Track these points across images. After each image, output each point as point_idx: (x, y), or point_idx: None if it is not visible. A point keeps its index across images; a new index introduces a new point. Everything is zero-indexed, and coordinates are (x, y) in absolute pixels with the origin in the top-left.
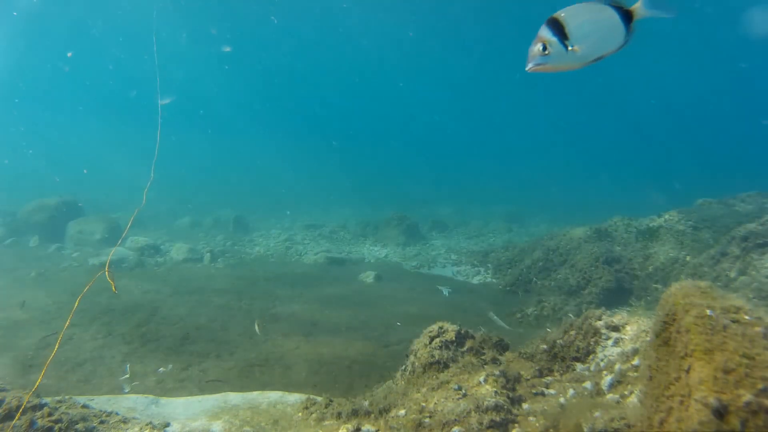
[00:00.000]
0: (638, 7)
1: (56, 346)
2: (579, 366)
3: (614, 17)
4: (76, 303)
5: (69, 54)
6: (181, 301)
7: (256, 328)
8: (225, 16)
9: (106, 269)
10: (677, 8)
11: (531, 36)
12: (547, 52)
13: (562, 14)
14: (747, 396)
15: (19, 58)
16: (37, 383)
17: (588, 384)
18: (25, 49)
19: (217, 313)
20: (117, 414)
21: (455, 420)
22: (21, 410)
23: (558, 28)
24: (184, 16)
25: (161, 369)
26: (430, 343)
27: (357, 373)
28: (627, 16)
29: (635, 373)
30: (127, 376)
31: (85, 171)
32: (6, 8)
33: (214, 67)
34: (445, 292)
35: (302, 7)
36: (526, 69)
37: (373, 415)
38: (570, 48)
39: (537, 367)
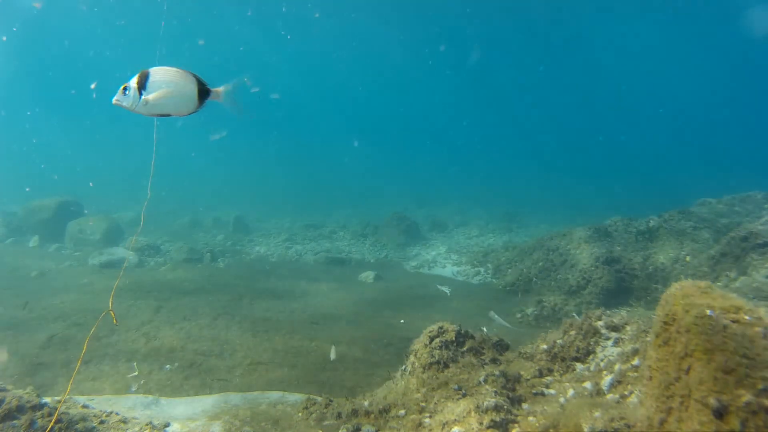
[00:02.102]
0: (216, 92)
1: (83, 348)
2: (579, 366)
3: (192, 89)
4: (96, 323)
5: (93, 85)
6: (183, 301)
7: (332, 353)
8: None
9: (110, 305)
10: (245, 114)
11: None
12: (126, 94)
13: (150, 70)
14: (747, 396)
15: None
16: (69, 387)
17: (588, 384)
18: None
19: (220, 312)
20: (117, 414)
21: (455, 420)
22: (58, 410)
23: (144, 79)
24: (192, 15)
25: (167, 366)
26: (430, 343)
27: (362, 372)
28: (205, 93)
29: (635, 373)
30: (135, 373)
31: (91, 185)
32: (7, 13)
33: (215, 67)
34: (447, 291)
35: (302, 10)
36: (112, 101)
37: (373, 415)
38: (142, 97)
39: (537, 367)
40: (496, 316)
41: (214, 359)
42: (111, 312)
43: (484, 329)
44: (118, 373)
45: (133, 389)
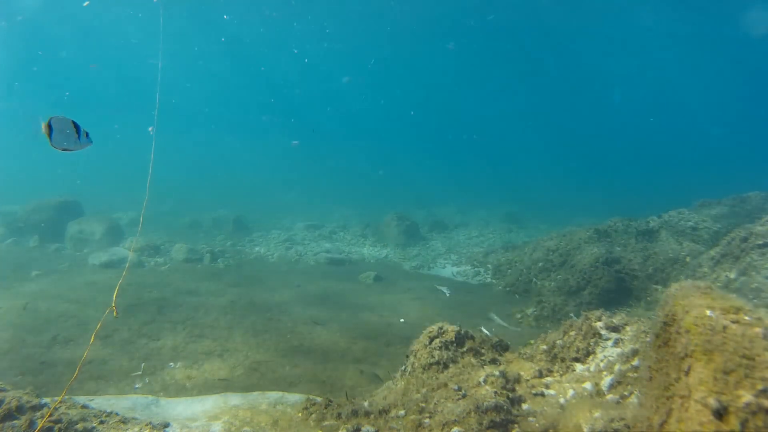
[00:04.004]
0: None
1: (87, 349)
2: (579, 366)
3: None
4: (98, 325)
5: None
6: (184, 300)
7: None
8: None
9: (113, 304)
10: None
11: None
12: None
13: (52, 119)
14: (747, 396)
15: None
16: (68, 385)
17: (588, 384)
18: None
19: (221, 312)
20: (117, 414)
21: (455, 420)
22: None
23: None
24: (191, 13)
25: (171, 364)
26: (429, 343)
27: (361, 371)
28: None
29: (635, 374)
30: (139, 373)
31: (78, 182)
32: (8, 11)
33: (214, 68)
34: (446, 291)
35: (302, 12)
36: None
37: (372, 416)
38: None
39: (537, 368)
40: (496, 317)
41: (215, 358)
42: (113, 307)
43: (483, 329)
44: (122, 371)
45: (137, 386)
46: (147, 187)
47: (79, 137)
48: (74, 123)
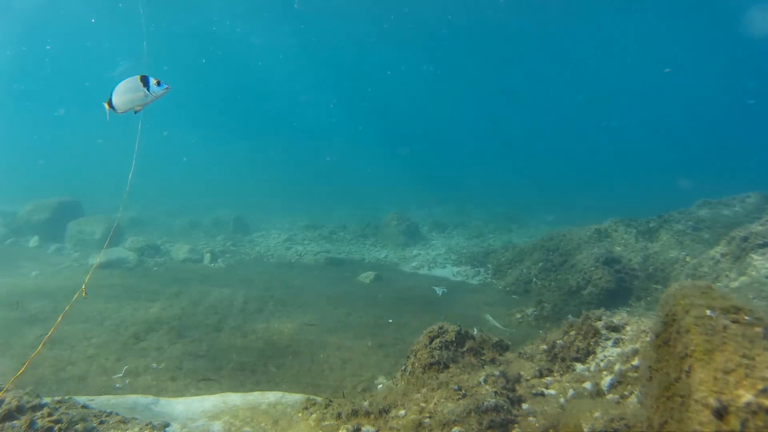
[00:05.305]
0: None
1: (41, 343)
2: (579, 366)
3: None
4: (61, 316)
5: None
6: (177, 301)
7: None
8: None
9: (83, 289)
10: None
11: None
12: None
13: (112, 94)
14: (747, 396)
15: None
16: (17, 375)
17: (588, 384)
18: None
19: (212, 311)
20: (117, 414)
21: (455, 420)
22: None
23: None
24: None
25: (154, 365)
26: (430, 343)
27: (349, 372)
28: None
29: (635, 374)
30: (120, 375)
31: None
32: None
33: (212, 66)
34: (439, 291)
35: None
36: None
37: (373, 416)
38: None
39: (537, 368)
40: (491, 318)
41: (204, 358)
42: (83, 289)
43: (475, 330)
44: (105, 373)
45: (118, 386)
46: (128, 181)
47: (149, 89)
48: (143, 77)
